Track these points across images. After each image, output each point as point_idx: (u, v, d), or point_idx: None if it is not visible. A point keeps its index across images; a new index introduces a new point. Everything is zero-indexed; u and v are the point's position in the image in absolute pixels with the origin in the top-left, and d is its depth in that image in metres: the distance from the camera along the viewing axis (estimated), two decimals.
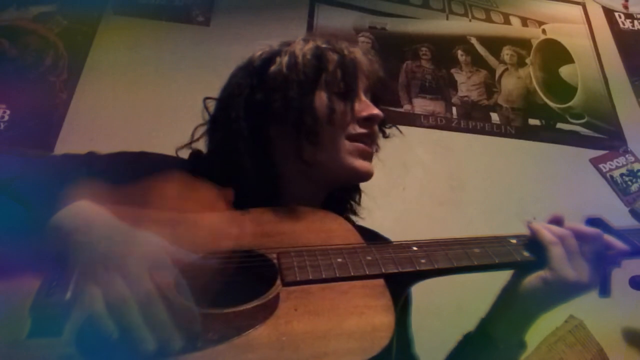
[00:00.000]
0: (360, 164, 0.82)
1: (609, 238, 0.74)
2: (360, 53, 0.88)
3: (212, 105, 0.90)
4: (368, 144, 0.84)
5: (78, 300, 0.52)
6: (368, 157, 0.84)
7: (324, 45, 0.86)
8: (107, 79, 1.66)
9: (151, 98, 1.65)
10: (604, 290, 0.75)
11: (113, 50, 1.71)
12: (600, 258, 0.72)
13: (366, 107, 0.84)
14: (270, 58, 0.85)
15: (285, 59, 0.83)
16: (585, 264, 0.71)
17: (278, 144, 0.83)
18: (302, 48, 0.85)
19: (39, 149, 1.49)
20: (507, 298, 0.76)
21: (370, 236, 0.83)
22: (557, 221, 0.77)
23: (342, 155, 0.81)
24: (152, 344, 0.50)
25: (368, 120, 0.83)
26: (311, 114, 0.79)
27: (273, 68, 0.83)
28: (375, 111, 0.84)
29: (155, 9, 1.82)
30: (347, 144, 0.81)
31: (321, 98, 0.81)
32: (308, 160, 0.80)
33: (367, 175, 0.84)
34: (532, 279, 0.72)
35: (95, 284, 0.52)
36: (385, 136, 0.93)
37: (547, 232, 0.73)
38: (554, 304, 0.74)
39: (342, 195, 0.94)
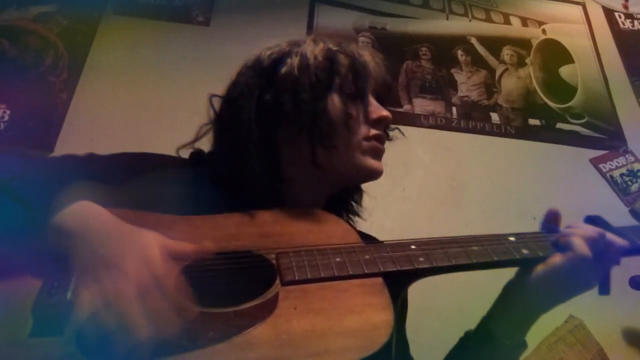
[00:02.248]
0: (373, 163, 0.82)
1: (609, 236, 0.75)
2: (369, 56, 0.88)
3: (217, 102, 0.88)
4: (380, 143, 0.84)
5: (78, 300, 0.52)
6: (380, 156, 0.84)
7: (335, 48, 0.84)
8: (107, 79, 1.66)
9: (151, 98, 1.65)
10: (604, 288, 0.75)
11: (113, 50, 1.71)
12: (601, 256, 0.73)
13: (376, 109, 0.83)
14: (280, 58, 0.83)
15: (296, 61, 0.81)
16: (586, 262, 0.71)
17: (287, 147, 0.81)
18: (313, 50, 0.83)
19: (39, 149, 1.49)
20: (508, 296, 0.77)
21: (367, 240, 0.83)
22: (553, 215, 0.77)
23: (356, 157, 0.81)
24: (150, 336, 0.50)
25: (379, 122, 0.83)
26: (326, 118, 0.78)
27: (284, 69, 0.81)
28: (385, 113, 0.84)
29: (155, 9, 1.81)
30: (361, 145, 0.81)
31: (334, 102, 0.80)
32: (322, 164, 0.79)
33: (379, 174, 0.84)
34: (533, 277, 0.73)
35: (95, 283, 0.52)
36: (388, 138, 0.93)
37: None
38: (555, 301, 0.74)
39: (343, 195, 0.94)
